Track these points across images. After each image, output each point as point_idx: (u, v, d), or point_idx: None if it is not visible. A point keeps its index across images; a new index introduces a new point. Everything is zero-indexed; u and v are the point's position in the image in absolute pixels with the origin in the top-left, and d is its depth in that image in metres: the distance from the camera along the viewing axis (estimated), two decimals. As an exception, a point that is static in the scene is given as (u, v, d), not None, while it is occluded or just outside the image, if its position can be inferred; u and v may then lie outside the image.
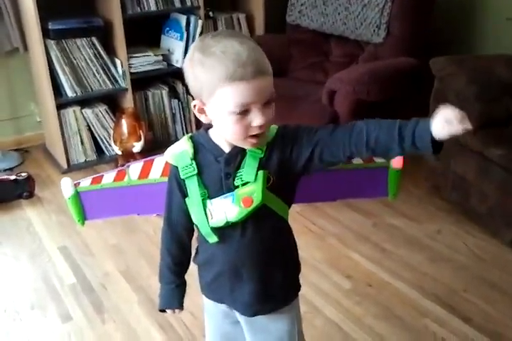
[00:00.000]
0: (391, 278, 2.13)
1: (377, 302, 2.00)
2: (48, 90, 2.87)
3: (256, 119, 0.98)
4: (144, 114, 3.21)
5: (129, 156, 3.03)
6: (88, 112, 3.04)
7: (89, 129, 3.07)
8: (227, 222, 1.07)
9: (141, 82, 3.18)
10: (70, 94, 2.95)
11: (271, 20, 3.46)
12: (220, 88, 0.96)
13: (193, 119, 3.39)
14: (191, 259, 1.24)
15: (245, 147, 1.05)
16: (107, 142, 3.12)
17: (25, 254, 2.35)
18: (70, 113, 2.98)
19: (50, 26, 2.84)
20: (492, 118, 2.31)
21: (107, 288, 2.12)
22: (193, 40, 3.20)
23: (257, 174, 1.04)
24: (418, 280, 2.11)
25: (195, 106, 1.04)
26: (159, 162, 1.27)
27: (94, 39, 2.98)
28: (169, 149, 1.13)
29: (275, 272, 1.16)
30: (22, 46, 3.05)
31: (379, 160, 1.29)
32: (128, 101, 3.10)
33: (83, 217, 1.34)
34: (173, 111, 3.32)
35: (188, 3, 3.17)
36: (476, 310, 1.95)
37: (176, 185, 1.13)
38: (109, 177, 1.29)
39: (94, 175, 1.30)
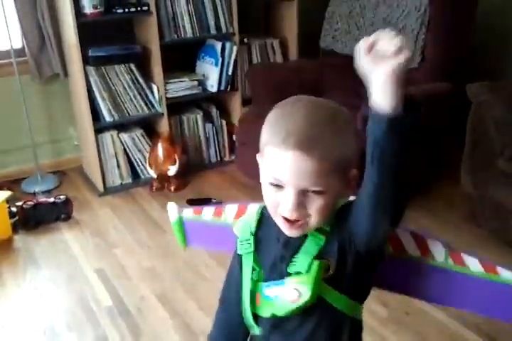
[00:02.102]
0: (429, 306, 2.09)
1: (414, 332, 1.96)
2: (87, 115, 2.94)
3: (284, 203, 0.86)
4: (179, 138, 3.26)
5: (164, 180, 3.08)
6: (125, 136, 3.10)
7: (126, 153, 3.13)
8: (273, 315, 0.94)
9: (177, 106, 3.24)
10: (107, 118, 3.02)
11: (304, 45, 3.50)
12: (266, 148, 0.87)
13: (226, 144, 3.42)
14: None
15: (281, 228, 0.91)
16: (143, 165, 3.17)
17: (63, 276, 2.39)
18: (107, 137, 3.05)
19: (90, 53, 2.92)
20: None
21: (143, 311, 2.14)
22: (227, 66, 3.26)
23: (311, 264, 0.90)
24: (457, 310, 2.06)
25: (258, 161, 0.95)
26: (252, 208, 1.17)
27: (132, 65, 3.06)
28: (252, 204, 1.07)
29: None
30: (62, 72, 3.14)
31: (505, 275, 0.97)
32: (163, 126, 3.16)
33: (185, 242, 1.31)
34: (207, 135, 3.36)
35: (223, 30, 3.23)
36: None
37: (236, 257, 1.04)
38: (208, 211, 1.24)
39: (195, 208, 1.28)
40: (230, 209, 1.20)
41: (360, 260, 0.91)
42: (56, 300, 2.25)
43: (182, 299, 2.18)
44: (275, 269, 0.95)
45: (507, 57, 3.22)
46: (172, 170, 3.04)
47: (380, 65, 0.72)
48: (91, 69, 2.96)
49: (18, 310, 2.20)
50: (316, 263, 0.89)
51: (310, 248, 0.91)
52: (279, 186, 0.86)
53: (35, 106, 3.17)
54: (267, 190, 0.89)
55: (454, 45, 2.87)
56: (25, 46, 3.06)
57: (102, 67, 2.99)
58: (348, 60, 3.79)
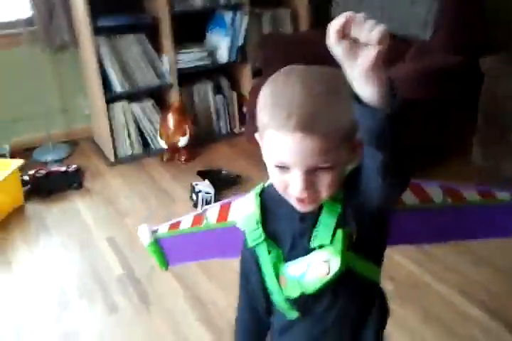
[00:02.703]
0: (434, 280, 2.11)
1: (420, 306, 1.98)
2: (98, 85, 2.95)
3: (293, 185, 0.84)
4: (190, 109, 3.26)
5: (174, 151, 3.09)
6: (136, 107, 3.10)
7: (137, 123, 3.14)
8: (302, 293, 0.91)
9: (187, 77, 3.22)
10: (118, 89, 3.01)
11: (316, 16, 3.45)
12: (266, 131, 0.83)
13: (236, 115, 3.42)
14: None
15: (293, 205, 0.89)
16: (153, 136, 3.18)
17: (75, 244, 2.44)
18: (118, 107, 3.05)
19: (100, 23, 2.90)
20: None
21: (153, 281, 2.17)
22: (238, 36, 3.23)
23: (334, 234, 0.87)
24: (461, 284, 2.08)
25: (257, 140, 0.92)
26: (237, 204, 1.16)
27: (142, 35, 3.04)
28: (237, 206, 1.04)
29: None
30: (72, 42, 3.13)
31: (502, 195, 1.07)
32: (174, 97, 3.16)
33: (166, 263, 1.26)
34: (217, 106, 3.35)
35: (234, 0, 3.19)
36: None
37: (248, 252, 1.00)
38: (186, 222, 1.20)
39: (172, 221, 1.22)
40: (211, 212, 1.17)
41: (376, 219, 0.90)
42: (68, 267, 2.30)
43: (193, 271, 2.20)
44: (296, 247, 0.93)
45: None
46: (182, 141, 3.05)
47: (358, 56, 0.65)
48: (101, 39, 2.94)
49: (30, 276, 2.25)
50: (339, 232, 0.87)
51: (328, 218, 0.89)
52: (285, 168, 0.83)
53: (45, 76, 3.17)
54: (273, 171, 0.86)
55: (467, 17, 2.82)
56: (35, 16, 3.04)
57: (112, 37, 2.98)
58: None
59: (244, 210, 1.00)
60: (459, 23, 2.81)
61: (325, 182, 0.83)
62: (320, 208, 0.90)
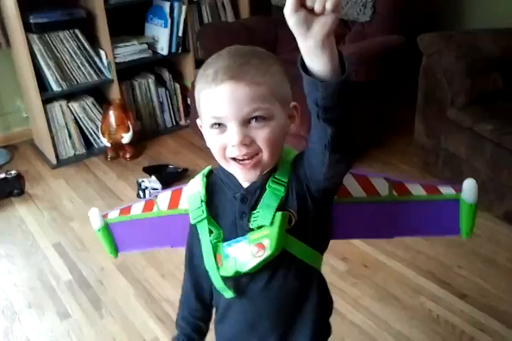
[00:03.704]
0: (386, 258, 2.13)
1: (373, 283, 2.01)
2: (33, 85, 2.83)
3: (230, 137, 0.85)
4: (132, 104, 3.18)
5: (118, 148, 3.01)
6: (75, 105, 3.00)
7: (77, 122, 3.04)
8: (237, 272, 0.92)
9: (127, 71, 3.14)
10: (55, 88, 2.90)
11: (256, 2, 3.41)
12: (198, 96, 0.88)
13: (181, 108, 3.35)
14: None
15: (237, 176, 0.92)
16: (96, 135, 3.09)
17: (19, 253, 2.34)
18: (56, 107, 2.94)
19: (32, 20, 2.78)
20: (481, 93, 2.29)
21: (104, 283, 2.12)
22: (177, 27, 3.15)
23: (274, 216, 0.89)
24: (413, 259, 2.12)
25: (199, 125, 0.95)
26: (188, 188, 1.14)
27: (77, 31, 2.92)
28: (187, 187, 1.05)
29: (298, 336, 1.00)
30: (4, 41, 3.00)
31: (447, 191, 1.07)
32: (115, 92, 3.06)
33: (115, 249, 1.25)
34: (161, 99, 3.28)
35: (170, -11, 3.11)
36: (471, 285, 1.96)
37: (192, 228, 1.03)
38: (137, 207, 1.19)
39: (122, 206, 1.21)
40: (162, 198, 1.16)
41: (319, 204, 0.91)
42: (14, 277, 2.21)
43: (142, 267, 2.17)
44: (235, 227, 0.94)
45: (458, 9, 3.18)
46: (126, 138, 2.97)
47: (313, 26, 0.67)
48: (34, 37, 2.82)
49: (-25, 289, 2.16)
50: (278, 214, 0.88)
51: (270, 200, 0.90)
52: (220, 125, 0.85)
53: (-23, 79, 3.04)
54: (210, 136, 0.88)
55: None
56: (-39, 15, 2.91)
57: (46, 34, 2.86)
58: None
59: (191, 190, 1.02)
60: (396, 4, 2.82)
61: (261, 137, 0.85)
62: (262, 191, 0.91)
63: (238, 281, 0.96)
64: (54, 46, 2.89)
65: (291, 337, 1.01)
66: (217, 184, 0.99)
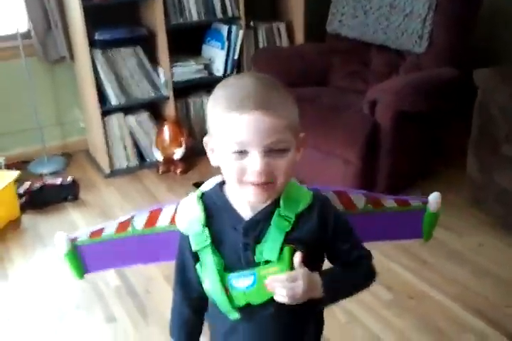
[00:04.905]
0: (432, 290, 2.11)
1: (418, 315, 1.99)
2: (93, 98, 2.95)
3: (252, 163, 0.86)
4: (185, 121, 3.27)
5: (170, 163, 3.10)
6: (131, 119, 3.11)
7: (132, 135, 3.14)
8: (248, 303, 0.94)
9: (183, 90, 3.24)
10: (114, 101, 3.02)
11: (311, 29, 3.49)
12: (220, 120, 0.88)
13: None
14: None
15: (247, 198, 0.92)
16: (149, 148, 3.19)
17: (71, 257, 2.41)
18: (113, 120, 3.06)
19: (97, 37, 2.93)
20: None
21: (151, 292, 2.17)
22: (233, 50, 3.26)
23: (281, 251, 0.91)
24: (460, 294, 2.09)
25: (206, 143, 0.96)
26: (168, 211, 1.16)
27: (138, 48, 3.06)
28: (179, 210, 1.03)
29: None
30: (69, 55, 3.14)
31: (415, 203, 1.25)
32: (170, 109, 3.17)
33: (82, 272, 1.21)
34: (213, 119, 3.36)
35: (230, 14, 3.22)
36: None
37: (189, 254, 1.00)
38: (110, 229, 1.17)
39: (93, 229, 1.17)
40: (139, 218, 1.16)
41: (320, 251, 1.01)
42: (64, 279, 2.27)
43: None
44: (239, 258, 0.95)
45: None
46: (178, 153, 3.05)
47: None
48: (97, 53, 2.96)
49: (27, 288, 2.23)
50: (286, 249, 0.90)
51: (275, 234, 0.92)
52: (242, 152, 0.87)
53: (41, 89, 3.18)
54: (229, 161, 0.88)
55: (461, 30, 2.86)
56: (31, 29, 3.06)
57: (108, 50, 2.99)
58: (355, 44, 3.78)
59: (186, 214, 1.00)
60: (452, 36, 2.85)
61: (280, 167, 0.88)
62: (264, 224, 0.93)
63: (247, 309, 0.96)
64: (115, 62, 3.03)
65: None
66: (213, 208, 0.98)
